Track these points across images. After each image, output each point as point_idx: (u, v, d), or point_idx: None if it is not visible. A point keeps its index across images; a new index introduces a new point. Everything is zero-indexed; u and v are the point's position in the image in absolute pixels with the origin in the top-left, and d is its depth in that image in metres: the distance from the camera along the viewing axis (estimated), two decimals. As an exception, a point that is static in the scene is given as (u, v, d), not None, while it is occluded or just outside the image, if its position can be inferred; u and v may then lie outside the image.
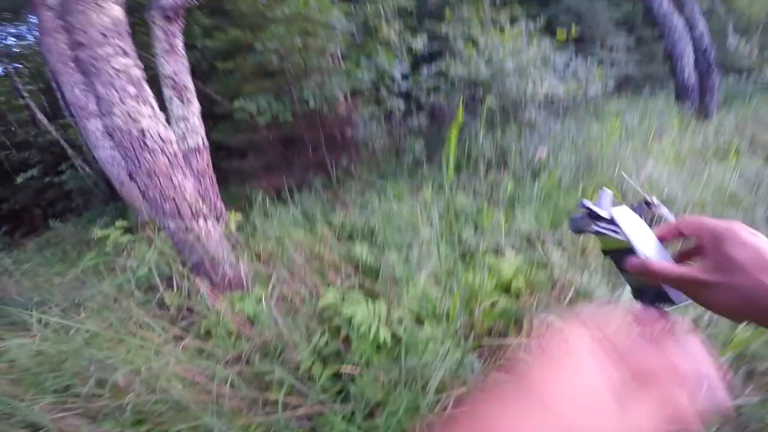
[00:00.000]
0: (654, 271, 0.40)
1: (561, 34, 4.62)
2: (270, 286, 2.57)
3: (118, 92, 2.35)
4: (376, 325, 1.94)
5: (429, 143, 4.38)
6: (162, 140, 2.36)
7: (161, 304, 2.62)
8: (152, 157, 2.36)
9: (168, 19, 3.15)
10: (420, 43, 4.17)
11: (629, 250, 0.42)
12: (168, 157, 2.39)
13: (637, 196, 2.87)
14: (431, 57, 4.31)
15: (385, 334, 1.91)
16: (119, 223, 4.15)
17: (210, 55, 5.63)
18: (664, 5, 6.65)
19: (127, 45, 2.49)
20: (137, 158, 2.38)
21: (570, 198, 2.92)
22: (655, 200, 0.47)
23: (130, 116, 2.34)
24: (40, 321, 2.30)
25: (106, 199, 8.56)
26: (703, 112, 6.16)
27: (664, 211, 0.47)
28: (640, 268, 0.41)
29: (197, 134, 2.79)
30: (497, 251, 2.59)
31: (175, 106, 2.78)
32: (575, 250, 2.45)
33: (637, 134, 4.28)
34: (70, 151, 9.38)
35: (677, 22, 6.55)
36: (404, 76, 4.12)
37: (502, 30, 4.37)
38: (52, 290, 3.62)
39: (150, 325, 2.27)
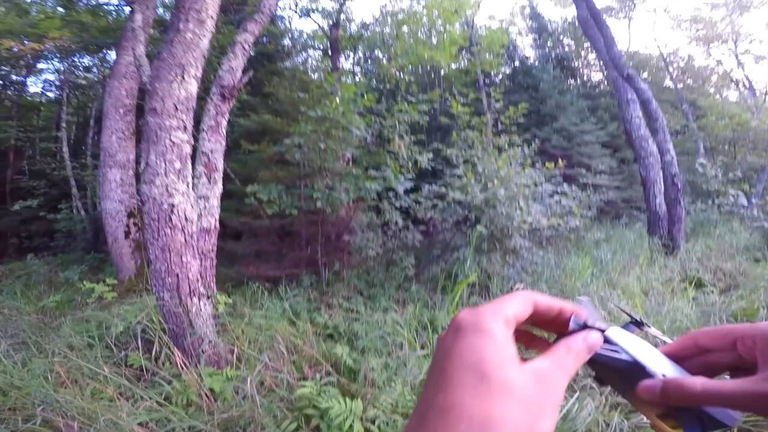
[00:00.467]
0: (695, 393, 0.30)
1: (550, 165, 5.29)
2: (245, 369, 2.62)
3: (165, 164, 2.64)
4: (351, 420, 2.01)
5: (419, 260, 4.67)
6: (186, 219, 2.61)
7: (125, 363, 2.66)
8: (172, 234, 2.58)
9: (223, 97, 3.57)
10: (425, 159, 4.74)
11: (637, 372, 0.34)
12: (185, 237, 2.61)
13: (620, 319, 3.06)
14: (434, 172, 4.86)
15: (359, 429, 1.97)
16: (109, 280, 4.25)
17: (239, 132, 6.23)
18: (641, 129, 7.24)
19: (189, 121, 2.87)
20: (158, 231, 2.60)
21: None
22: (643, 320, 0.41)
23: (167, 190, 2.61)
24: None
25: (88, 247, 8.57)
26: (671, 243, 6.45)
27: (655, 331, 0.41)
28: (669, 391, 0.30)
29: (213, 216, 3.05)
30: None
31: (202, 184, 3.09)
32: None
33: (609, 267, 4.65)
34: (74, 191, 9.67)
35: (652, 146, 6.98)
36: (406, 192, 4.56)
37: (500, 152, 5.01)
38: (15, 322, 3.59)
39: (109, 379, 2.33)
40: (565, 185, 5.44)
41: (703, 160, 10.68)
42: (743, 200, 9.40)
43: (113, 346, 2.79)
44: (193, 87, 2.97)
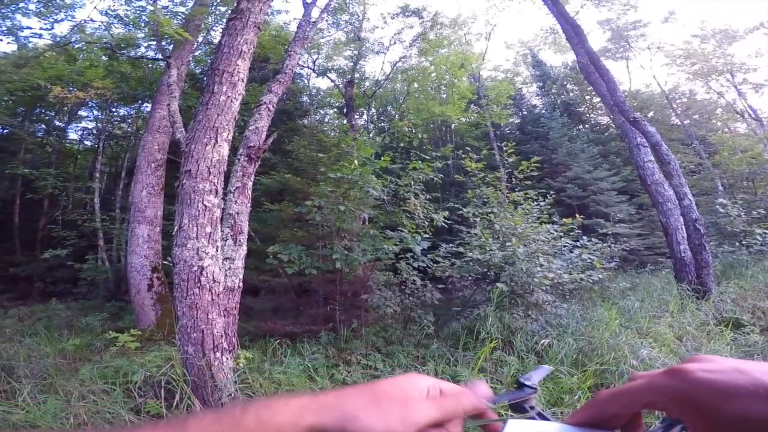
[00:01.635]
0: None
1: (567, 220, 5.31)
2: None
3: (197, 228, 2.80)
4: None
5: (438, 317, 4.62)
6: (214, 280, 2.71)
7: (143, 410, 2.68)
8: (200, 293, 2.68)
9: (249, 159, 3.78)
10: (440, 218, 4.84)
11: None
12: (212, 296, 2.70)
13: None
14: (450, 229, 4.92)
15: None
16: (133, 331, 4.35)
17: (260, 190, 6.52)
18: (655, 174, 7.02)
19: (220, 184, 3.04)
20: (187, 290, 2.70)
21: (571, 379, 3.01)
22: (529, 379, 0.44)
23: (197, 253, 2.74)
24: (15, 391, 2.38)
25: (109, 296, 8.87)
26: (702, 288, 6.10)
27: (537, 374, 0.46)
28: None
29: (237, 276, 3.15)
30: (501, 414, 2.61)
31: (228, 246, 3.23)
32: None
33: (638, 315, 4.47)
34: (101, 244, 10.09)
35: (669, 191, 6.75)
36: (424, 251, 4.64)
37: (515, 207, 5.06)
38: (36, 363, 3.65)
39: (127, 423, 2.33)
40: (584, 238, 5.41)
41: (723, 199, 10.36)
42: (771, 238, 9.05)
43: (135, 393, 2.81)
44: (225, 150, 3.18)
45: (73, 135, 14.71)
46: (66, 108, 12.58)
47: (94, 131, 13.87)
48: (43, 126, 13.62)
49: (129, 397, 2.83)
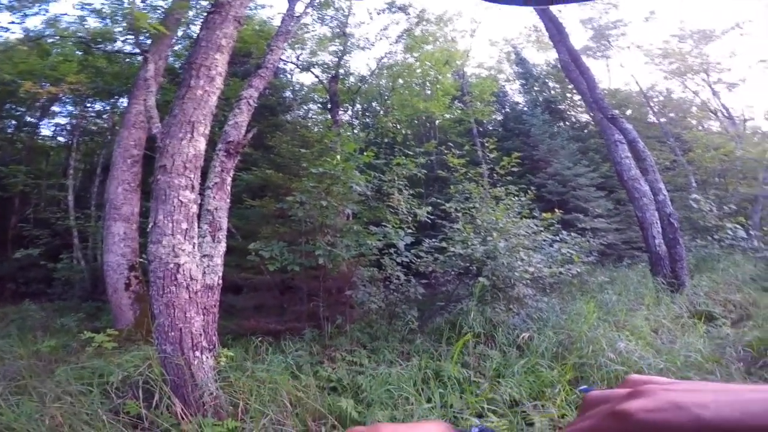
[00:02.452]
0: None
1: (547, 215, 5.41)
2: (249, 422, 2.59)
3: (173, 224, 2.73)
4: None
5: (423, 312, 4.65)
6: (190, 278, 2.65)
7: (122, 410, 2.64)
8: (176, 291, 2.62)
9: (228, 154, 3.69)
10: (424, 213, 4.87)
11: None
12: (189, 294, 2.65)
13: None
14: (433, 225, 4.95)
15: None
16: (110, 330, 4.22)
17: (241, 186, 6.40)
18: (632, 170, 7.23)
19: (196, 180, 2.97)
20: (163, 288, 2.64)
21: (552, 373, 3.09)
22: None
23: (173, 250, 2.68)
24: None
25: (85, 296, 8.57)
26: (676, 281, 6.33)
27: None
28: None
29: (216, 274, 3.10)
30: (481, 416, 2.66)
31: (206, 243, 3.16)
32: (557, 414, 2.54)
33: (616, 308, 4.61)
34: (76, 242, 9.74)
35: (645, 187, 6.96)
36: (407, 247, 4.65)
37: (497, 202, 5.13)
38: (8, 364, 3.54)
39: (106, 424, 2.33)
40: (564, 232, 5.52)
41: (697, 195, 10.72)
42: (742, 233, 9.46)
43: (112, 394, 2.75)
44: (202, 145, 3.10)
45: (45, 131, 14.06)
46: (38, 104, 12.01)
47: (68, 127, 13.28)
48: (14, 122, 12.99)
49: (107, 398, 2.77)
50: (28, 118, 13.08)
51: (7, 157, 11.64)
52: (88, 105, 12.96)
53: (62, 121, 13.83)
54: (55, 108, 13.32)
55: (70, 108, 13.18)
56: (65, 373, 3.10)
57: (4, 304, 8.56)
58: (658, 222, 6.89)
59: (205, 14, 3.54)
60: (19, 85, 9.41)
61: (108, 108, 13.12)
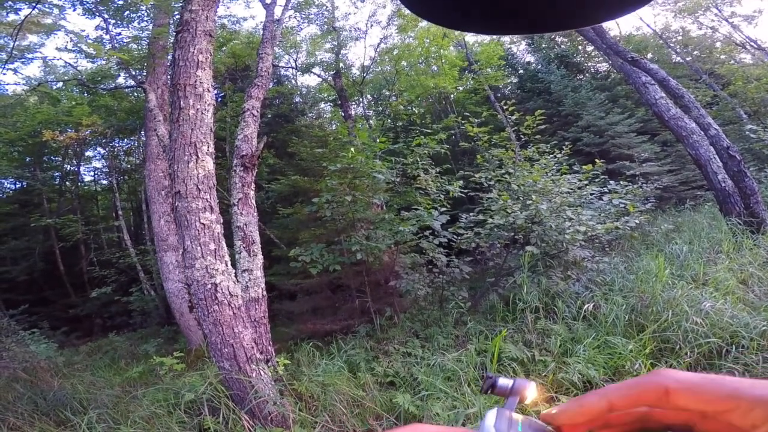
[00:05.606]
0: None
1: (588, 167, 4.97)
2: (312, 427, 2.58)
3: (201, 247, 2.74)
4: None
5: (472, 291, 4.44)
6: (230, 294, 2.65)
7: (200, 428, 2.71)
8: (219, 309, 2.63)
9: (245, 168, 3.70)
10: (456, 188, 4.62)
11: None
12: (233, 310, 2.64)
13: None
14: (470, 199, 4.68)
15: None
16: (177, 353, 4.41)
17: (273, 197, 6.49)
18: (671, 109, 6.60)
19: (213, 199, 2.96)
20: (207, 308, 2.65)
21: (628, 345, 2.75)
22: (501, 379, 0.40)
23: (207, 271, 2.69)
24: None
25: (162, 322, 9.16)
26: (754, 220, 5.51)
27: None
28: None
29: (258, 286, 3.09)
30: (550, 401, 2.41)
31: (243, 258, 3.16)
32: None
33: (689, 262, 4.07)
34: (142, 276, 10.45)
35: (690, 123, 6.35)
36: (444, 226, 4.42)
37: (531, 164, 4.76)
38: (99, 394, 3.80)
39: None
40: (612, 183, 5.04)
41: (752, 125, 9.74)
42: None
43: (182, 414, 2.84)
44: (210, 164, 3.07)
45: (87, 177, 15.07)
46: (70, 151, 12.75)
47: (105, 169, 14.13)
48: (58, 173, 13.95)
49: (189, 416, 2.88)
50: (68, 167, 13.95)
51: (62, 209, 12.65)
52: (115, 145, 13.63)
53: (98, 164, 14.61)
54: (89, 153, 14.07)
55: (101, 150, 13.87)
56: (151, 396, 3.29)
57: (95, 338, 9.55)
58: (716, 157, 6.15)
59: (175, 34, 3.47)
60: (43, 135, 9.93)
61: (134, 144, 13.69)
